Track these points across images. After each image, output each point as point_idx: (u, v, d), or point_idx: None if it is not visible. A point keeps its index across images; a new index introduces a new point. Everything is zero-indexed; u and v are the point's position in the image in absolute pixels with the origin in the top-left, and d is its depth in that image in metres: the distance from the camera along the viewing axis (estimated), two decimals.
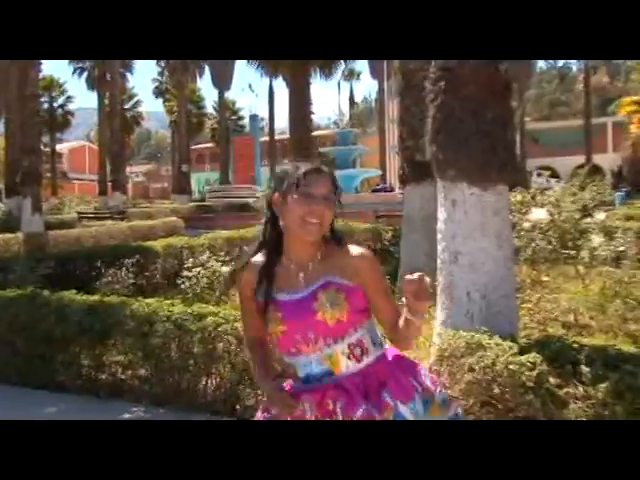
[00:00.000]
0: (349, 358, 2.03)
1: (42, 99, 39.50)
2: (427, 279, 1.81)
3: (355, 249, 2.10)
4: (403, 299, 1.87)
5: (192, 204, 36.12)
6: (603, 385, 2.97)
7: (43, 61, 15.34)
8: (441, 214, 4.43)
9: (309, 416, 1.98)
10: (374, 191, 33.51)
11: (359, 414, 1.93)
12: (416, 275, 1.80)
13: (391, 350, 2.15)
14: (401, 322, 1.97)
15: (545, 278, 7.73)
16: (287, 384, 2.09)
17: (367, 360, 2.05)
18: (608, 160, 45.46)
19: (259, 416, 2.12)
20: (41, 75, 16.48)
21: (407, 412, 1.96)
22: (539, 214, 8.49)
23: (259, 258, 2.12)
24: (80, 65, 47.47)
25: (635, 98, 34.98)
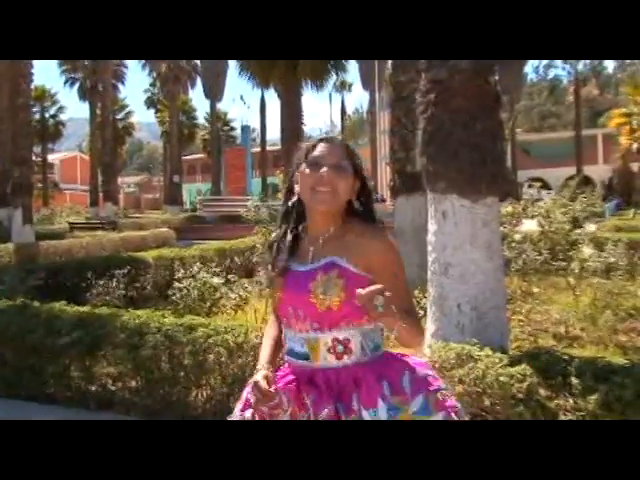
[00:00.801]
0: (329, 352, 1.98)
1: (34, 109, 39.41)
2: (375, 295, 1.70)
3: (374, 231, 2.03)
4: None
5: (184, 215, 36.13)
6: (593, 397, 2.98)
7: (34, 71, 15.25)
8: (431, 226, 4.44)
9: (285, 407, 1.95)
10: None
11: (324, 413, 1.90)
12: (365, 290, 1.71)
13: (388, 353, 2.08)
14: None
15: (536, 289, 7.76)
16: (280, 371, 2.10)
17: (346, 360, 1.98)
18: (599, 171, 45.78)
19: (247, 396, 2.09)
20: (32, 85, 16.39)
21: (368, 418, 1.88)
22: (530, 225, 8.54)
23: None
24: (72, 75, 47.46)
25: (624, 110, 35.20)
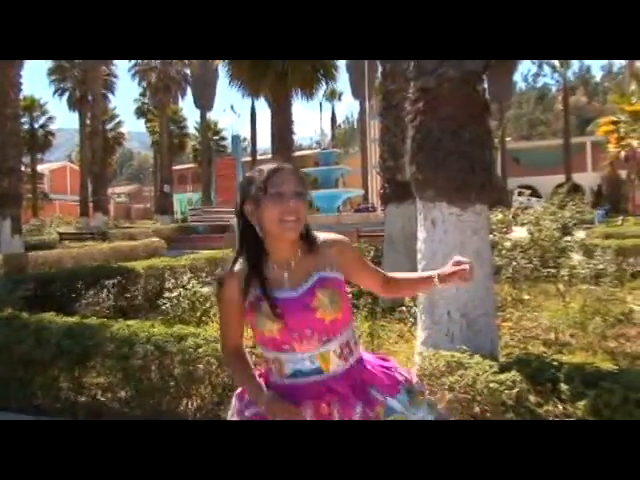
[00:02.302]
0: (339, 357, 2.06)
1: (23, 119, 39.28)
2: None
3: (328, 237, 2.17)
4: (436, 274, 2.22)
5: (174, 225, 36.08)
6: (582, 403, 2.99)
7: (23, 81, 15.23)
8: (421, 233, 4.45)
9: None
10: (357, 211, 33.65)
11: (357, 414, 1.98)
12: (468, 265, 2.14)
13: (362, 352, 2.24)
14: (411, 277, 2.38)
15: (526, 296, 7.79)
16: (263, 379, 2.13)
17: (351, 360, 2.10)
18: (588, 179, 46.03)
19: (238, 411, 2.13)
20: (21, 95, 16.35)
21: (396, 404, 2.03)
22: (520, 233, 8.57)
23: (239, 266, 2.13)
24: (61, 85, 47.33)
25: (612, 118, 35.39)
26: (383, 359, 2.23)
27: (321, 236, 2.16)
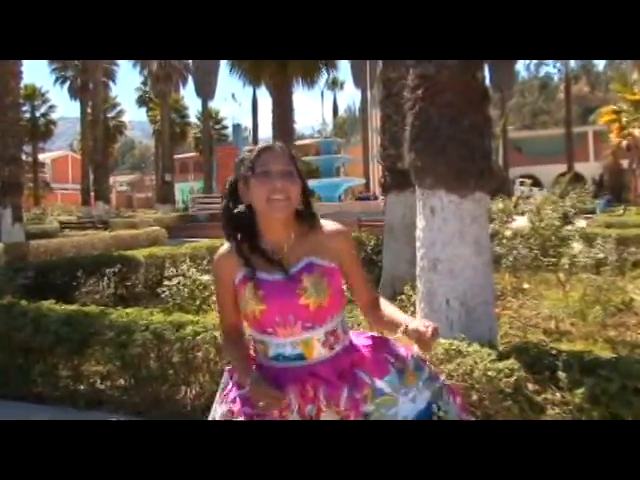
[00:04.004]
0: (323, 345, 2.04)
1: (23, 108, 39.20)
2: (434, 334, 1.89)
3: (330, 226, 2.13)
4: (404, 326, 1.98)
5: (176, 213, 36.09)
6: (580, 390, 2.98)
7: (24, 69, 15.18)
8: (420, 222, 4.43)
9: (293, 406, 1.97)
10: (358, 199, 33.64)
11: (344, 398, 1.95)
12: (429, 328, 1.88)
13: (354, 334, 2.22)
14: (393, 320, 2.11)
15: (526, 285, 7.79)
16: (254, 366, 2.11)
17: (337, 348, 2.07)
18: (590, 168, 45.94)
19: (231, 392, 2.09)
20: (22, 84, 16.29)
21: (384, 386, 2.00)
22: (521, 222, 8.54)
23: (234, 245, 2.12)
24: (62, 74, 47.23)
25: (614, 107, 35.22)
26: (376, 339, 2.18)
27: (324, 223, 2.13)
